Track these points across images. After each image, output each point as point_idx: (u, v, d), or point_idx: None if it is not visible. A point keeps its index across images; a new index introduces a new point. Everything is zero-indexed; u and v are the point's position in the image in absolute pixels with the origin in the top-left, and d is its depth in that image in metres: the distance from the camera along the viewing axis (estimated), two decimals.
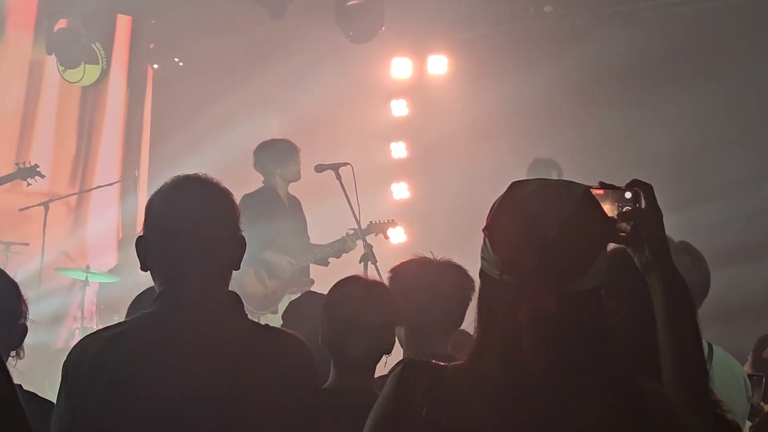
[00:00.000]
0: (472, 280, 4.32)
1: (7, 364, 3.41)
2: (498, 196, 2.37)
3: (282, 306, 8.47)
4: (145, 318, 3.11)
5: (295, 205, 8.88)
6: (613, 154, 10.09)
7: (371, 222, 8.74)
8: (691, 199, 9.09)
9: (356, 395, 3.57)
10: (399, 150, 12.60)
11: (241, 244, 3.18)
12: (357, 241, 8.40)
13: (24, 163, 9.44)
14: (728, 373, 4.20)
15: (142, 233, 3.16)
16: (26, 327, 3.70)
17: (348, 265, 8.19)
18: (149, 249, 3.14)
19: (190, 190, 3.16)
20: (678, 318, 2.50)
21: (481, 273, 2.38)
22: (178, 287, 3.09)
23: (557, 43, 11.12)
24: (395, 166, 12.54)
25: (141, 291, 4.47)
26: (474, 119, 11.57)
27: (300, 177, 8.69)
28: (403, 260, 4.34)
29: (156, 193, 3.17)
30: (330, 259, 8.74)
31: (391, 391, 2.36)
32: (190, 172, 3.22)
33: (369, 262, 7.88)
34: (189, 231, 3.10)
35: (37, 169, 9.45)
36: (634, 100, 10.46)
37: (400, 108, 12.62)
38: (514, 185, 2.36)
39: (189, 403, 2.92)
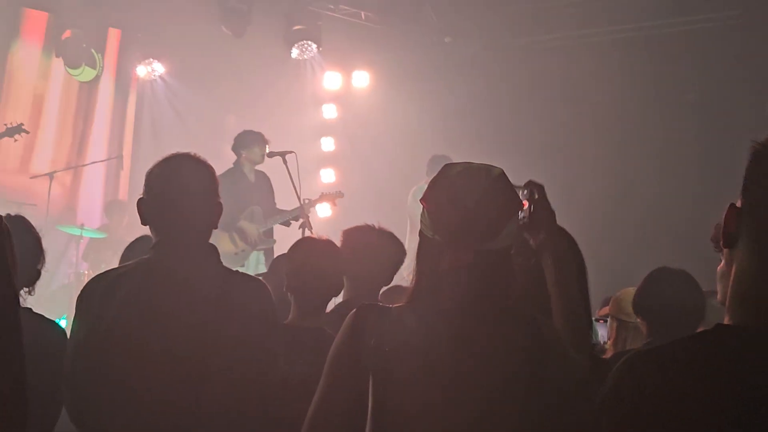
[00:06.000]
0: (403, 247, 4.39)
1: (21, 294, 3.43)
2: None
3: (249, 261, 8.50)
4: (144, 262, 3.10)
5: (261, 179, 8.81)
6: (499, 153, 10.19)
7: (323, 193, 8.77)
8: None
9: (311, 331, 3.58)
10: (328, 144, 12.61)
11: (219, 208, 3.20)
12: (311, 209, 8.41)
13: (10, 123, 9.25)
14: None
15: (143, 196, 3.15)
16: (40, 272, 3.65)
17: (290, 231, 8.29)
18: (148, 209, 3.14)
19: (182, 164, 3.17)
20: (564, 283, 2.54)
21: (420, 233, 2.40)
22: (170, 238, 3.11)
23: (455, 67, 11.20)
24: (325, 156, 12.55)
25: (129, 242, 4.48)
26: (388, 122, 11.61)
27: (262, 160, 8.64)
28: (353, 226, 4.37)
29: (155, 165, 3.17)
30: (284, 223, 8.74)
31: (348, 326, 2.36)
32: (182, 151, 3.23)
33: (306, 228, 7.93)
34: (179, 195, 3.11)
35: (23, 127, 9.26)
36: (513, 111, 10.59)
37: (330, 111, 12.62)
38: (447, 166, 2.39)
39: (176, 324, 2.94)
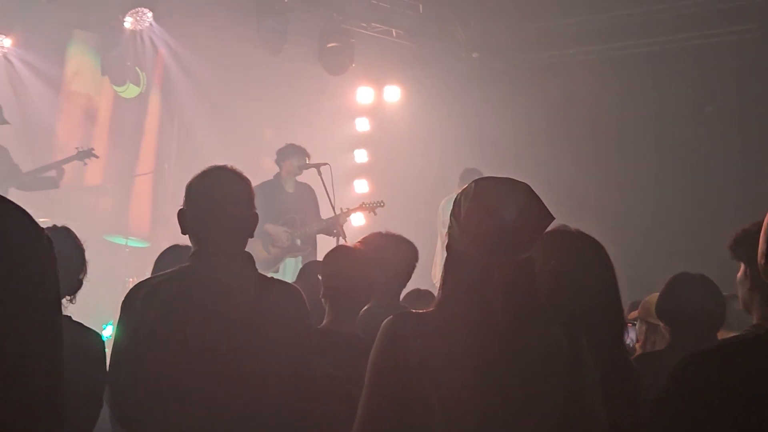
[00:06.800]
0: (417, 251, 4.39)
1: (63, 303, 3.45)
2: (461, 190, 2.41)
3: (282, 266, 8.54)
4: (183, 269, 3.13)
5: (303, 190, 8.85)
6: (526, 164, 10.20)
7: (363, 203, 8.78)
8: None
9: (346, 335, 3.59)
10: (361, 156, 12.65)
11: (254, 218, 3.22)
12: (346, 219, 8.42)
13: (81, 147, 9.31)
14: None
15: (183, 207, 3.17)
16: (82, 282, 3.66)
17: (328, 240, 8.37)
18: (188, 219, 3.17)
19: (219, 176, 3.19)
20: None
21: (448, 247, 2.41)
22: (208, 247, 3.13)
23: (482, 81, 11.21)
24: (358, 168, 12.58)
25: (162, 251, 4.51)
26: (418, 134, 11.63)
27: (300, 171, 8.66)
28: (371, 233, 4.39)
29: (194, 177, 3.20)
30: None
31: (388, 333, 2.36)
32: (220, 164, 3.26)
33: (340, 237, 7.97)
34: (218, 206, 3.14)
35: (93, 152, 9.30)
36: (534, 127, 10.57)
37: (363, 124, 12.67)
38: (478, 182, 2.39)
39: (214, 328, 2.96)
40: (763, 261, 1.77)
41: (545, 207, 2.37)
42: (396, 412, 2.27)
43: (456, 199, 2.40)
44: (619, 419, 2.45)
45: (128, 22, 9.75)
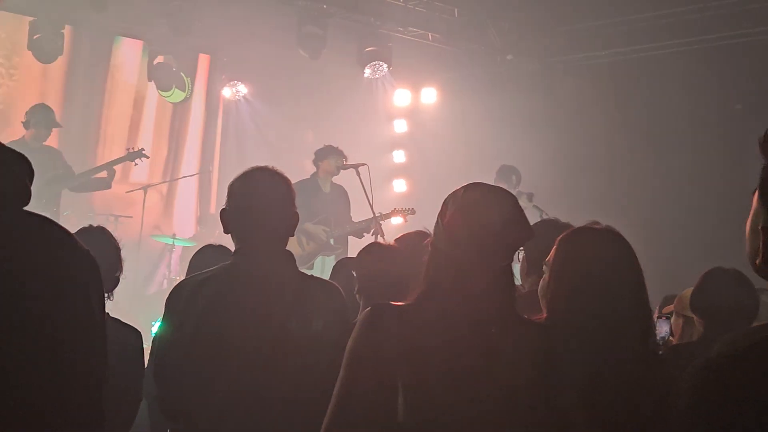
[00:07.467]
0: None
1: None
2: (451, 192, 2.47)
3: (316, 263, 8.54)
4: (226, 267, 3.12)
5: (337, 191, 8.87)
6: (558, 162, 10.14)
7: (395, 208, 8.76)
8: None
9: None
10: (399, 156, 12.66)
11: (295, 217, 3.21)
12: (380, 222, 8.41)
13: (132, 148, 9.32)
14: None
15: (225, 206, 3.17)
16: (118, 279, 3.66)
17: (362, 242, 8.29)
18: (230, 218, 3.15)
19: (261, 176, 3.18)
20: None
21: (432, 245, 2.46)
22: (250, 246, 3.12)
23: (516, 83, 11.16)
24: (397, 168, 12.58)
25: (197, 250, 4.51)
26: (454, 134, 11.62)
27: (338, 172, 8.68)
28: (407, 232, 4.36)
29: (236, 178, 3.19)
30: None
31: (366, 322, 2.40)
32: (261, 165, 3.26)
33: (378, 236, 7.96)
34: (259, 206, 3.12)
35: (143, 152, 9.29)
36: (567, 126, 10.50)
37: (400, 126, 12.71)
38: (467, 188, 2.45)
39: (256, 324, 2.96)
40: (752, 261, 1.73)
41: (527, 222, 2.42)
42: (367, 398, 2.29)
43: (445, 199, 2.46)
44: (645, 413, 2.44)
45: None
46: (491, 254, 2.33)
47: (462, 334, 2.30)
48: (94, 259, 1.50)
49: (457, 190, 2.44)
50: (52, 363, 1.40)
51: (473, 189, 2.43)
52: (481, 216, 2.34)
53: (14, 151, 1.46)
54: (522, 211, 2.42)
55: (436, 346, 2.29)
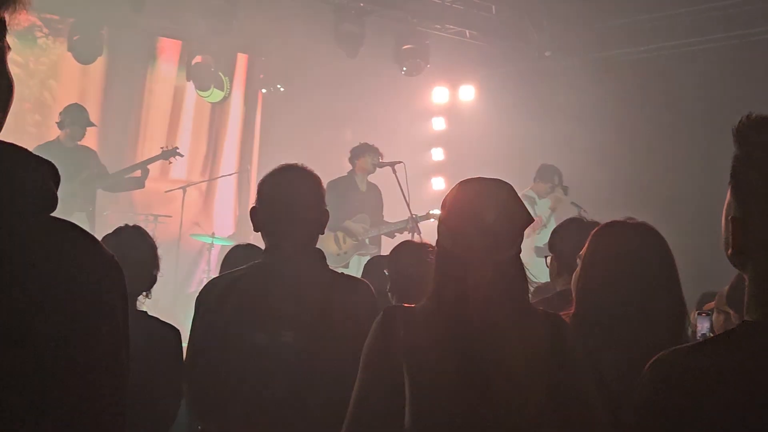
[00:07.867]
0: None
1: (139, 299, 3.47)
2: (451, 189, 2.50)
3: (352, 263, 8.52)
4: (256, 266, 3.12)
5: (372, 191, 8.84)
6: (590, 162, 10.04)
7: (429, 212, 8.69)
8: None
9: None
10: (438, 154, 12.62)
11: (325, 215, 3.19)
12: (418, 224, 8.37)
13: (167, 147, 9.34)
14: None
15: (255, 205, 3.16)
16: (156, 277, 3.66)
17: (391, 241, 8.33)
18: (260, 216, 3.15)
19: (290, 174, 3.17)
20: None
21: (438, 243, 2.48)
22: (280, 244, 3.11)
23: (554, 79, 11.06)
24: (435, 166, 12.54)
25: (229, 249, 4.50)
26: (493, 131, 11.54)
27: (374, 170, 8.64)
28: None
29: (266, 176, 3.19)
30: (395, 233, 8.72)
31: (379, 324, 2.45)
32: (290, 162, 3.24)
33: (415, 234, 7.94)
34: (289, 204, 3.11)
35: (177, 150, 9.30)
36: (610, 124, 10.38)
37: (439, 123, 12.66)
38: (462, 183, 2.48)
39: (287, 323, 2.94)
40: (725, 251, 1.70)
41: (525, 208, 2.42)
42: (382, 395, 2.34)
43: (444, 198, 2.48)
44: None
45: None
46: (492, 246, 2.33)
47: (469, 332, 2.31)
48: (117, 264, 1.48)
49: (453, 188, 2.48)
50: (68, 378, 1.37)
51: (467, 183, 2.46)
52: (475, 209, 2.35)
53: (34, 155, 1.43)
54: (518, 198, 2.43)
55: (441, 344, 2.32)
